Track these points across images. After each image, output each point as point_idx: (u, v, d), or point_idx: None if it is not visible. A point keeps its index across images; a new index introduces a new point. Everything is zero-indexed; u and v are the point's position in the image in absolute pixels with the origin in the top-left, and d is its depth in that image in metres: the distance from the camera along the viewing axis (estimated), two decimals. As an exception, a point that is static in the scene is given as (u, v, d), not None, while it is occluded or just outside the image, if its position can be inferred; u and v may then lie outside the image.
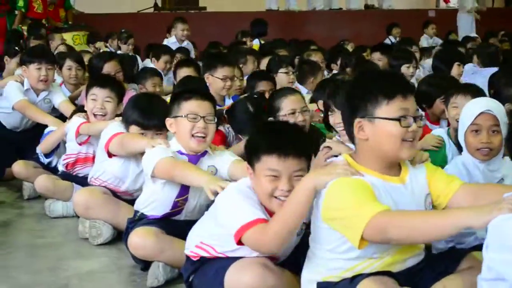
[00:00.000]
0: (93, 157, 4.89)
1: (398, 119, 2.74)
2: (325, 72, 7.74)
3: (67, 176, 5.05)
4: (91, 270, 3.95)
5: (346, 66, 7.58)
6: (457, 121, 4.36)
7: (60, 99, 6.12)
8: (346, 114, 2.88)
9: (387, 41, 12.41)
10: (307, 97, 5.76)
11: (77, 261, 4.09)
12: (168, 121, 3.83)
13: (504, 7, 18.60)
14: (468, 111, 3.54)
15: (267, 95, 5.22)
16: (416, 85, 6.19)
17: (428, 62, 8.72)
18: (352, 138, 2.88)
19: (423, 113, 5.03)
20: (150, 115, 4.28)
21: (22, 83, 6.05)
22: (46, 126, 5.69)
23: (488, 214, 2.32)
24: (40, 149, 5.33)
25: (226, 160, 3.78)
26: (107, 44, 10.63)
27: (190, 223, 3.50)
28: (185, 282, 3.38)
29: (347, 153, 2.94)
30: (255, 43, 11.00)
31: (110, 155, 4.39)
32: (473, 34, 13.19)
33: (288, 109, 4.44)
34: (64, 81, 6.75)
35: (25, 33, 10.48)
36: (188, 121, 3.70)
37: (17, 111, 5.99)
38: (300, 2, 15.23)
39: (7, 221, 4.92)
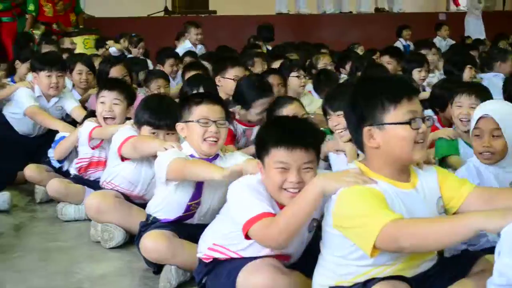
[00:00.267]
0: (105, 161, 4.90)
1: (408, 122, 2.73)
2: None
3: (79, 179, 5.07)
4: (103, 274, 3.95)
5: (356, 70, 7.57)
6: (460, 120, 4.40)
7: (72, 105, 6.14)
8: (353, 124, 2.87)
9: (397, 44, 12.39)
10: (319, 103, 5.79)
11: (89, 265, 4.10)
12: (179, 126, 3.84)
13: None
14: (474, 115, 3.56)
15: (275, 90, 5.33)
16: (428, 89, 6.21)
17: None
18: (360, 146, 2.88)
19: (435, 116, 5.03)
20: (161, 114, 4.30)
21: (33, 89, 6.08)
22: (58, 131, 5.73)
23: (502, 218, 2.31)
24: (53, 155, 5.35)
25: (238, 161, 3.78)
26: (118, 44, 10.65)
27: (203, 227, 3.51)
28: (197, 284, 3.39)
29: (360, 161, 2.92)
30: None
31: (123, 158, 4.41)
32: (483, 37, 13.18)
33: None
34: (75, 85, 6.77)
35: (36, 37, 10.51)
36: (199, 126, 3.71)
37: (28, 117, 6.02)
38: (310, 6, 15.24)
39: (20, 224, 4.93)
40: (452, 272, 2.89)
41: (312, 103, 6.28)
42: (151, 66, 8.99)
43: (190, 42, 10.47)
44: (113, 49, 10.06)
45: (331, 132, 4.39)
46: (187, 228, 3.80)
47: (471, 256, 3.00)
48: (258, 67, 7.49)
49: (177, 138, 4.25)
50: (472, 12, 14.81)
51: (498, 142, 3.47)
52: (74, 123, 5.92)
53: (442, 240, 2.52)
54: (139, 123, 4.37)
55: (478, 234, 2.45)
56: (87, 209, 4.51)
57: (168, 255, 3.65)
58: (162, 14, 14.32)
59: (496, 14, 15.69)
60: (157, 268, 3.77)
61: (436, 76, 7.93)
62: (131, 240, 4.27)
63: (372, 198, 2.68)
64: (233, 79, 5.74)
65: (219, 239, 3.28)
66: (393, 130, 2.75)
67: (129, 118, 4.84)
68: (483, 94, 4.33)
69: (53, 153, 5.37)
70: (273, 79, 5.69)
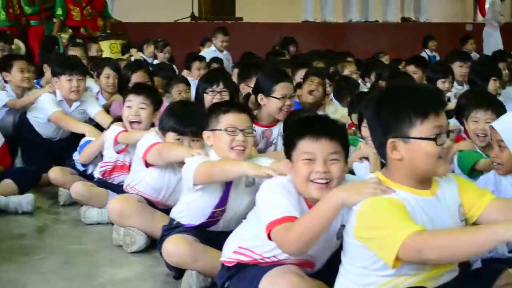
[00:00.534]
0: (130, 165, 4.92)
1: (434, 139, 2.72)
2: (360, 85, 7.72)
3: (103, 183, 5.09)
4: (125, 278, 3.97)
5: (379, 78, 7.55)
6: (477, 136, 4.39)
7: (95, 110, 6.17)
8: (378, 134, 2.85)
9: (423, 54, 12.33)
10: (341, 110, 5.79)
11: (111, 268, 4.12)
12: (206, 134, 3.84)
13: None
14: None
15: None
16: (452, 100, 6.17)
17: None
18: (384, 157, 2.87)
19: (461, 127, 5.00)
20: (186, 121, 4.31)
21: (55, 93, 6.12)
22: (82, 135, 5.77)
23: None
24: (79, 159, 5.39)
25: (266, 163, 3.77)
26: (140, 53, 10.69)
27: (227, 234, 3.51)
28: (220, 289, 3.39)
29: (379, 172, 2.92)
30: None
31: (147, 165, 4.43)
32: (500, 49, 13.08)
33: None
34: (102, 89, 6.81)
35: (64, 41, 10.59)
36: (227, 134, 3.72)
37: (53, 122, 6.07)
38: (336, 14, 15.22)
39: (43, 226, 4.97)
40: (474, 285, 2.86)
41: (336, 112, 6.28)
42: (176, 72, 9.01)
43: (215, 47, 10.52)
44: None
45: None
46: (210, 234, 3.81)
47: (494, 270, 2.96)
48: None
49: (202, 145, 4.26)
50: (491, 23, 14.72)
51: (505, 153, 3.51)
52: (98, 126, 5.95)
53: (466, 251, 2.50)
54: (163, 130, 4.38)
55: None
56: (110, 213, 4.53)
57: (189, 260, 3.65)
58: (188, 20, 14.36)
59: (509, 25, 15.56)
60: (178, 272, 3.77)
61: (464, 89, 7.88)
62: (153, 245, 4.28)
63: (394, 209, 2.66)
64: None
65: (245, 242, 3.28)
66: (418, 144, 2.73)
67: (154, 124, 4.86)
68: (499, 109, 4.34)
69: (79, 157, 5.41)
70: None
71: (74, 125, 5.97)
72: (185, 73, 8.60)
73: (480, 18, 18.96)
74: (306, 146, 3.01)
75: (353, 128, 5.03)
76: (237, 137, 3.72)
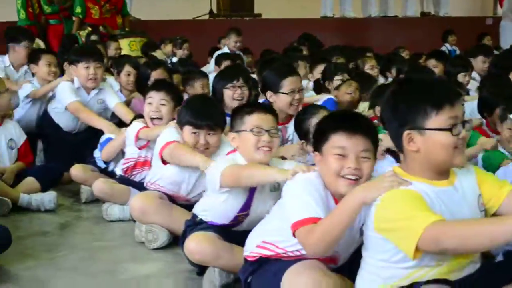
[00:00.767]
0: (151, 161, 4.92)
1: (449, 129, 2.72)
2: (381, 79, 7.69)
3: (125, 180, 5.11)
4: (147, 274, 3.99)
5: (399, 73, 7.53)
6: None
7: (115, 100, 6.20)
8: (394, 127, 2.86)
9: (443, 48, 12.26)
10: (363, 105, 5.75)
11: (133, 265, 4.13)
12: (231, 135, 3.83)
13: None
14: None
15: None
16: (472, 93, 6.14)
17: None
18: (400, 149, 2.87)
19: (484, 120, 4.99)
20: (202, 115, 4.32)
21: (72, 82, 6.15)
22: (100, 130, 5.79)
23: None
24: (101, 156, 5.41)
25: (290, 166, 3.75)
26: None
27: (249, 232, 3.50)
28: (243, 283, 3.38)
29: (397, 166, 2.92)
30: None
31: (164, 162, 4.43)
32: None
33: None
34: (121, 86, 6.83)
35: (83, 39, 10.63)
36: (253, 135, 3.70)
37: (71, 112, 6.08)
38: (355, 9, 15.16)
39: (65, 223, 5.00)
40: (498, 277, 2.85)
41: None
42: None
43: (228, 49, 10.48)
44: None
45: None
46: (233, 232, 3.82)
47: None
48: (302, 70, 7.47)
49: (218, 139, 4.28)
50: (508, 16, 14.56)
51: None
52: (120, 125, 5.96)
53: (485, 242, 2.50)
54: (181, 123, 4.39)
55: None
56: (131, 210, 4.54)
57: (211, 258, 3.66)
58: (207, 17, 14.37)
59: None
60: (201, 269, 3.78)
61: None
62: (175, 241, 4.29)
63: (413, 200, 2.68)
64: None
65: (268, 236, 3.28)
66: (434, 135, 2.74)
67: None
68: None
69: (101, 154, 5.43)
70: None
71: (92, 119, 5.99)
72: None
73: (500, 12, 18.82)
74: (340, 141, 3.00)
75: (376, 121, 5.01)
76: (263, 138, 3.69)
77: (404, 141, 2.80)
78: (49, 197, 5.23)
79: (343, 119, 3.11)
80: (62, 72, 7.64)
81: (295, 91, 4.99)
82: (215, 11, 14.28)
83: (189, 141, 4.32)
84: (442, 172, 2.84)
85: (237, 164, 3.67)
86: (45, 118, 6.42)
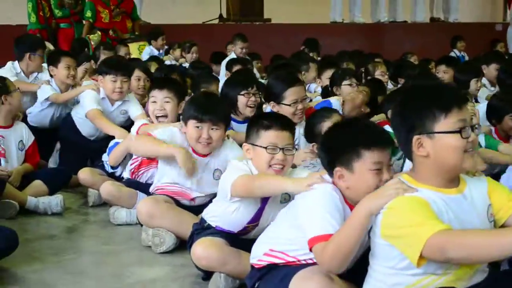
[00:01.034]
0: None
1: (458, 131, 2.72)
2: (390, 85, 7.68)
3: (132, 183, 5.11)
4: (154, 278, 3.98)
5: (409, 79, 7.50)
6: None
7: (137, 112, 6.15)
8: (402, 133, 2.86)
9: (452, 54, 12.25)
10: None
11: (140, 269, 4.13)
12: (245, 147, 3.76)
13: None
14: None
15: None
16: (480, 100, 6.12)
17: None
18: (409, 156, 2.86)
19: (492, 128, 4.97)
20: (206, 109, 4.33)
21: (98, 91, 6.17)
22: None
23: None
24: (108, 160, 5.41)
25: (302, 175, 3.72)
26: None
27: (256, 239, 3.49)
28: (250, 290, 3.38)
29: (405, 172, 2.92)
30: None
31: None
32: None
33: None
34: (132, 91, 6.82)
35: (93, 43, 10.66)
36: (267, 152, 3.64)
37: (89, 119, 6.10)
38: (364, 15, 15.16)
39: (73, 227, 5.00)
40: (506, 287, 2.84)
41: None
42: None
43: (235, 55, 10.48)
44: None
45: None
46: (240, 238, 3.81)
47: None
48: (312, 72, 7.48)
49: (221, 134, 4.31)
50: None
51: None
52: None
53: (490, 253, 2.51)
54: (185, 119, 4.41)
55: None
56: (138, 214, 4.53)
57: (218, 263, 3.65)
58: (216, 21, 14.38)
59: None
60: (207, 274, 3.77)
61: (496, 90, 7.81)
62: (181, 245, 4.29)
63: (420, 207, 2.68)
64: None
65: (277, 245, 3.26)
66: (443, 139, 2.74)
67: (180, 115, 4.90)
68: None
69: (108, 158, 5.43)
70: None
71: (108, 126, 5.98)
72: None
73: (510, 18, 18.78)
74: (378, 156, 2.97)
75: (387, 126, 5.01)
76: (277, 156, 3.63)
77: (413, 147, 2.79)
78: (56, 201, 5.24)
79: (373, 133, 3.06)
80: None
81: (297, 102, 4.96)
82: (225, 15, 14.29)
83: (192, 135, 4.34)
84: (452, 179, 2.83)
85: (248, 174, 3.61)
86: (67, 122, 6.43)
